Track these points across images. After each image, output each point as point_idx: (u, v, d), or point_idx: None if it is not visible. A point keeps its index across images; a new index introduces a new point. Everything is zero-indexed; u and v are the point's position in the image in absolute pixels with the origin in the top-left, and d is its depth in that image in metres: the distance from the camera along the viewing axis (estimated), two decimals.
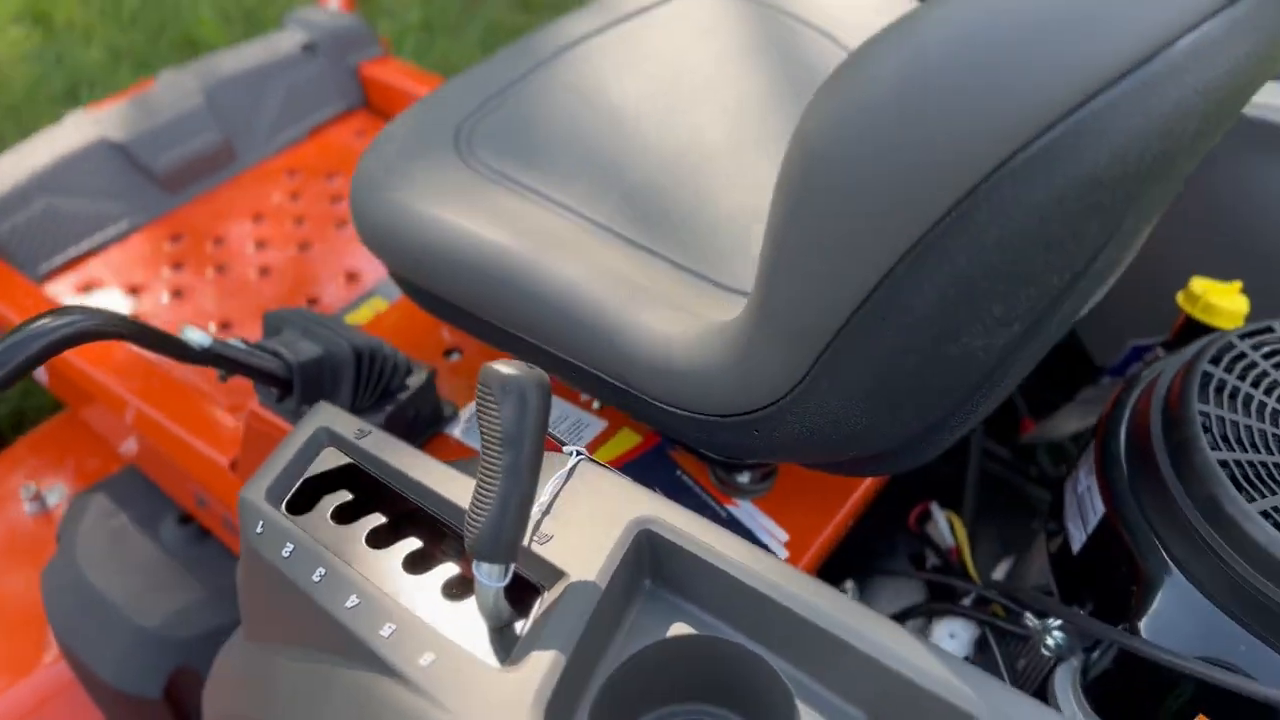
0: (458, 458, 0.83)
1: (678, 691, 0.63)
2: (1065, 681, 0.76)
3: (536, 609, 0.61)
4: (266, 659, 0.73)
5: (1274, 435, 0.70)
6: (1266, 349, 0.76)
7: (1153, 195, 0.52)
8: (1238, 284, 0.89)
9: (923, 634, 0.90)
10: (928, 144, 0.48)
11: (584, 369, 0.75)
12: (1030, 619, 0.78)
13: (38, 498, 1.29)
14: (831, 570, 1.02)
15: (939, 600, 0.94)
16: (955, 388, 0.60)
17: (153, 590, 1.14)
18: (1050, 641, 0.76)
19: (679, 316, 0.70)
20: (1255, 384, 0.73)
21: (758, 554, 0.62)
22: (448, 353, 1.06)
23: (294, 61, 1.66)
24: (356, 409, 0.87)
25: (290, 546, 0.67)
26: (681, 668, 0.63)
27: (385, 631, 0.61)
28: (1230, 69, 0.47)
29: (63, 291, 1.37)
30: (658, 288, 0.74)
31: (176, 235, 1.48)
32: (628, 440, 0.92)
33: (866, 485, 0.90)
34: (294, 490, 0.71)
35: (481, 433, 0.58)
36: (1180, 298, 0.89)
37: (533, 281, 0.74)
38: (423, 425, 0.92)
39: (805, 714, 0.58)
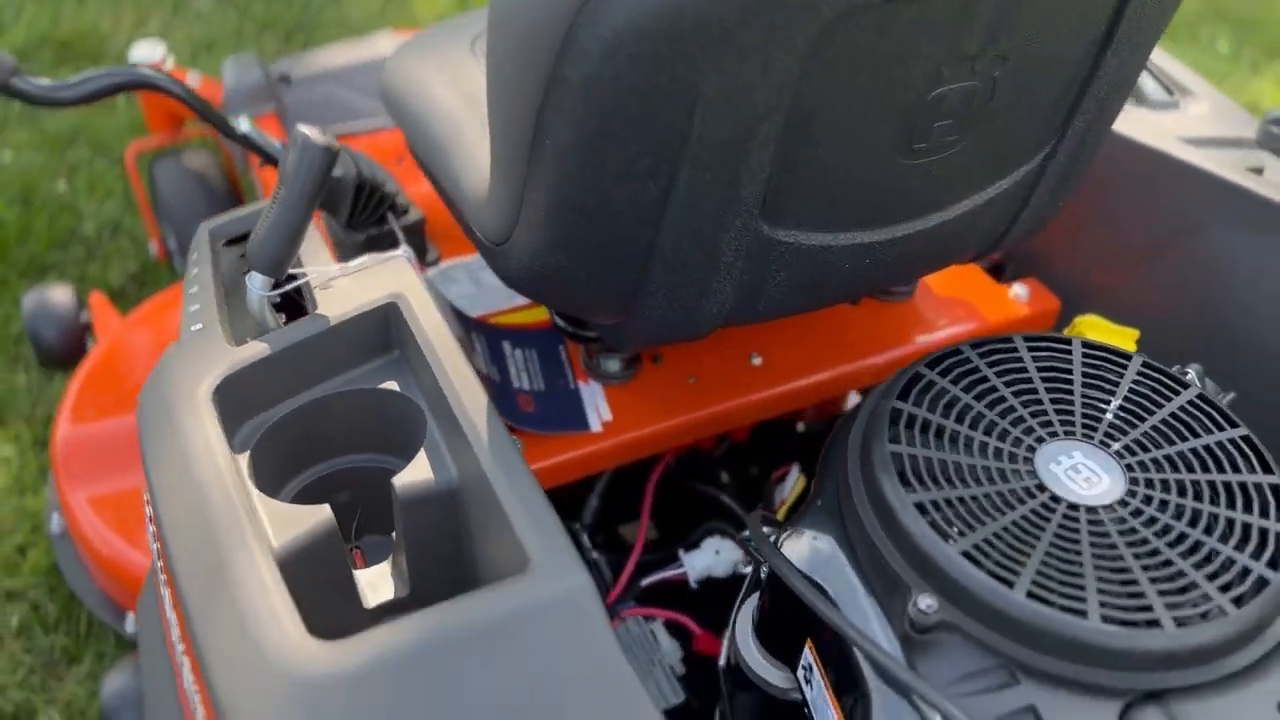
0: None
1: (367, 440, 0.78)
2: (749, 607, 0.79)
3: None
4: None
5: (969, 466, 0.69)
6: (956, 372, 0.74)
7: (747, 74, 0.60)
8: (1134, 332, 0.84)
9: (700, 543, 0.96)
10: None
11: (452, 202, 0.91)
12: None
13: None
14: None
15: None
16: (622, 236, 0.70)
17: None
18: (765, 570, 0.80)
19: None
20: (945, 413, 0.72)
21: (458, 361, 0.75)
22: None
23: None
24: (352, 225, 1.09)
25: (195, 255, 0.90)
26: (366, 417, 0.77)
27: (194, 307, 0.81)
28: None
29: None
30: None
31: None
32: (540, 314, 1.06)
33: (700, 415, 0.97)
34: (237, 235, 0.95)
35: (278, 174, 0.77)
36: (1066, 332, 0.86)
37: (432, 118, 0.92)
38: None
39: (422, 455, 0.72)
